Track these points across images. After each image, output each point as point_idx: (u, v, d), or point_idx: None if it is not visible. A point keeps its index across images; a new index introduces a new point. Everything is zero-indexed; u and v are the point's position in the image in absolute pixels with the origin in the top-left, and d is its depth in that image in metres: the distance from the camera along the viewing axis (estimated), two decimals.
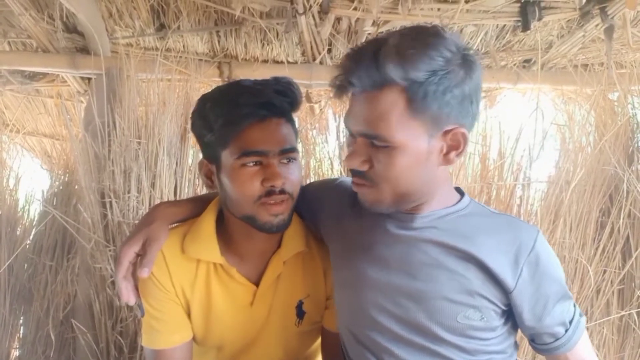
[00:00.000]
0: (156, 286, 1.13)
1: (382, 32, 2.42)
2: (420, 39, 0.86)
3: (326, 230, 1.19)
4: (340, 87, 0.93)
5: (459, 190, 1.09)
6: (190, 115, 1.14)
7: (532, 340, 1.05)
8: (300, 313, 1.22)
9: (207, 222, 1.15)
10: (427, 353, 1.00)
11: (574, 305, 1.03)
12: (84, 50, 2.54)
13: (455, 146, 0.92)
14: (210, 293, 1.16)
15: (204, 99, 1.10)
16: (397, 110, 0.87)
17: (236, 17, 2.42)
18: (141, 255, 1.10)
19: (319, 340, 1.32)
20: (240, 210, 1.08)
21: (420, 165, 0.92)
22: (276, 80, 1.07)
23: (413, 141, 0.89)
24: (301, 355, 1.34)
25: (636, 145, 2.43)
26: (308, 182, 1.86)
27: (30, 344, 2.75)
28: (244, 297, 1.17)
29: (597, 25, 2.22)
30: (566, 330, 1.01)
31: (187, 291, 1.15)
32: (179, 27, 2.51)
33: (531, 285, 0.96)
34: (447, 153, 0.93)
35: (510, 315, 1.03)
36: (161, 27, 2.55)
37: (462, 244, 0.97)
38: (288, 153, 1.07)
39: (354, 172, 0.98)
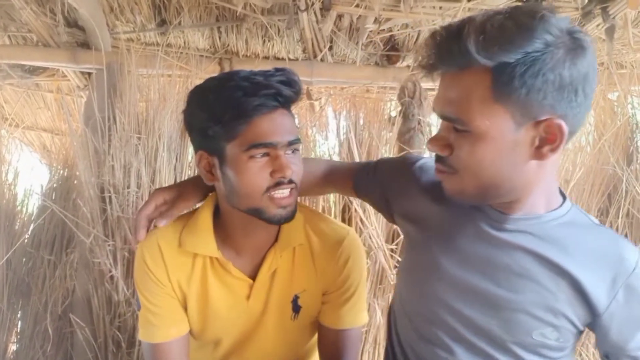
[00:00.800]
0: (152, 280, 1.13)
1: (384, 29, 2.42)
2: (513, 17, 0.77)
3: (401, 209, 1.13)
4: (426, 68, 0.86)
5: (560, 192, 0.98)
6: (185, 107, 1.11)
7: (607, 357, 0.98)
8: (296, 307, 1.21)
9: (204, 216, 1.15)
10: None
11: None
12: (85, 44, 2.54)
13: (549, 140, 0.81)
14: (206, 287, 1.16)
15: (204, 91, 1.07)
16: (479, 92, 0.80)
17: (237, 14, 2.42)
18: (166, 208, 1.15)
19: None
20: (246, 203, 1.06)
21: (505, 156, 0.83)
22: (279, 70, 1.05)
23: (496, 128, 0.80)
24: (299, 350, 1.34)
25: (635, 145, 2.44)
26: None
27: (28, 338, 2.73)
28: (240, 291, 1.17)
29: (598, 25, 2.23)
30: None
31: (184, 285, 1.15)
32: (180, 23, 2.51)
33: (624, 310, 0.89)
34: (540, 147, 0.82)
35: (580, 334, 0.97)
36: (162, 23, 2.55)
37: (558, 257, 0.89)
38: (294, 144, 1.06)
39: (436, 158, 0.92)
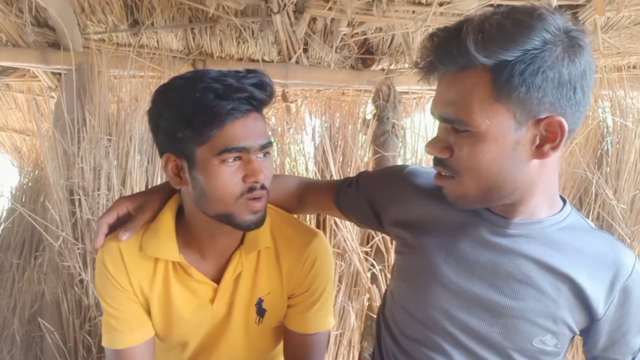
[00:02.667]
0: (114, 285, 1.11)
1: (358, 32, 2.43)
2: (511, 17, 0.78)
3: (392, 217, 1.11)
4: (424, 70, 0.86)
5: (560, 196, 0.99)
6: (150, 107, 1.06)
7: None
8: (260, 311, 1.20)
9: (166, 220, 1.12)
10: None
11: None
12: (55, 45, 2.50)
13: (550, 138, 0.81)
14: (169, 291, 1.14)
15: (173, 91, 1.02)
16: (479, 91, 0.80)
17: (211, 15, 2.40)
18: (129, 220, 1.12)
19: None
20: (216, 208, 1.03)
21: (506, 156, 0.82)
22: (252, 72, 1.01)
23: (496, 127, 0.80)
24: (266, 355, 1.33)
25: (605, 148, 2.48)
26: None
27: None
28: (204, 295, 1.15)
29: None
30: (633, 359, 0.96)
31: (146, 289, 1.13)
32: (152, 24, 2.48)
33: (617, 313, 0.91)
34: (541, 145, 0.82)
35: (573, 338, 0.98)
36: (134, 23, 2.52)
37: (558, 262, 0.90)
38: (266, 147, 1.04)
39: (435, 161, 0.91)
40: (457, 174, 0.87)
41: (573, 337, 0.98)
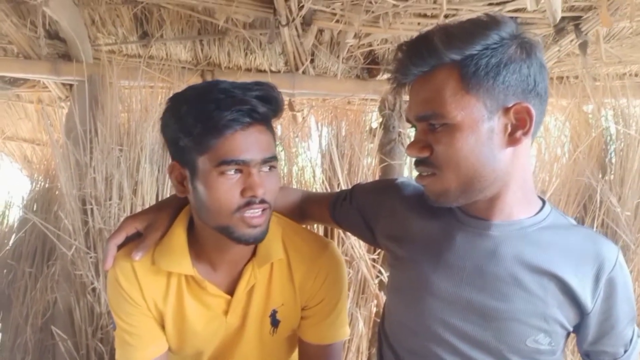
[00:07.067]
0: (127, 301, 1.11)
1: (364, 44, 2.46)
2: (472, 21, 0.88)
3: (384, 230, 1.13)
4: (398, 74, 0.92)
5: (539, 197, 1.01)
6: (162, 115, 1.06)
7: (587, 356, 1.02)
8: (274, 322, 1.19)
9: (178, 233, 1.12)
10: None
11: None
12: (66, 56, 2.54)
13: (520, 125, 0.87)
14: (183, 305, 1.13)
15: (179, 100, 1.02)
16: (450, 85, 0.86)
17: (219, 27, 2.44)
18: (139, 240, 1.11)
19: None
20: (215, 221, 1.02)
21: (482, 145, 0.87)
22: (258, 85, 1.00)
23: (470, 117, 0.86)
24: None
25: (609, 156, 2.51)
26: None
27: (9, 350, 2.72)
28: (217, 307, 1.15)
29: (571, 41, 2.28)
30: (625, 351, 0.98)
31: (160, 304, 1.13)
32: (162, 36, 2.52)
33: (604, 305, 0.93)
34: (513, 132, 0.87)
35: (569, 336, 0.99)
36: (144, 35, 2.56)
37: (543, 262, 0.91)
38: (269, 162, 1.02)
39: (416, 163, 0.94)
40: (438, 169, 0.91)
41: (568, 335, 0.99)
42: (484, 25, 0.86)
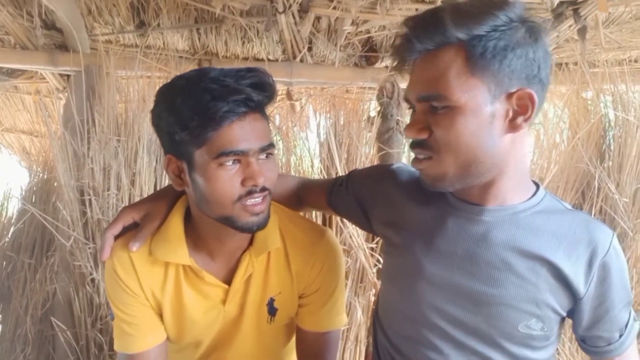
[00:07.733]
0: (125, 291, 1.11)
1: (362, 31, 2.45)
2: (481, 1, 0.85)
3: (379, 216, 1.13)
4: (401, 50, 0.89)
5: (533, 182, 1.00)
6: (153, 107, 1.03)
7: (583, 341, 1.01)
8: (271, 310, 1.20)
9: (175, 223, 1.11)
10: (478, 357, 0.96)
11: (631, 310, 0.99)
12: (63, 47, 2.53)
13: (522, 111, 0.85)
14: (181, 294, 1.13)
15: (172, 92, 0.99)
16: (456, 66, 0.83)
17: (216, 15, 2.42)
18: (136, 230, 1.11)
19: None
20: (217, 211, 1.02)
21: (483, 130, 0.85)
22: (251, 72, 0.98)
23: (474, 100, 0.83)
24: (278, 352, 1.34)
25: (608, 143, 2.50)
26: None
27: (9, 341, 2.73)
28: (215, 296, 1.15)
29: (570, 26, 2.27)
30: (620, 336, 0.97)
31: (158, 293, 1.13)
32: (159, 25, 2.51)
33: (598, 290, 0.92)
34: (514, 118, 0.85)
35: (563, 321, 0.99)
36: (141, 25, 2.55)
37: (535, 247, 0.91)
38: (267, 149, 1.01)
39: (412, 145, 0.92)
40: (436, 152, 0.88)
41: (563, 321, 0.99)
42: (492, 6, 0.83)
